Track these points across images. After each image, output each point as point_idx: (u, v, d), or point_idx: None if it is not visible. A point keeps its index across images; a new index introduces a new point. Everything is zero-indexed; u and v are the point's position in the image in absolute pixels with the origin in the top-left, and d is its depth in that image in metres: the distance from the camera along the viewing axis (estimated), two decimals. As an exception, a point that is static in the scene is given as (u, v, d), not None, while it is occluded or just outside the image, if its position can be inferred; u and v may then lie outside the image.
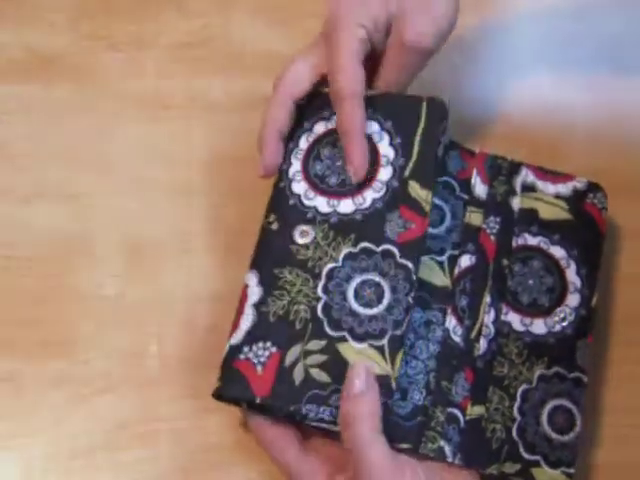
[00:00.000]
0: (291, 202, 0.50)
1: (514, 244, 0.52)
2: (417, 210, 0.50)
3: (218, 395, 0.46)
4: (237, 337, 0.47)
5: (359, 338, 0.47)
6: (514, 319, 0.51)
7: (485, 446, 0.48)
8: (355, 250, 0.49)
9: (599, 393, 0.53)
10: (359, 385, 0.44)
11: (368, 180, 0.50)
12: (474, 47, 0.63)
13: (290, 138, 0.52)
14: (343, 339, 0.46)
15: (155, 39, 0.63)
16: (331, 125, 0.52)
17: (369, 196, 0.50)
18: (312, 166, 0.51)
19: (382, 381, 0.46)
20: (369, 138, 0.51)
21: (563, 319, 0.51)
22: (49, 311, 0.54)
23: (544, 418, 0.48)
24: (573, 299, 0.51)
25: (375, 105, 0.52)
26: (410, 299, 0.48)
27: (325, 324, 0.47)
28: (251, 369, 0.46)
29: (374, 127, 0.52)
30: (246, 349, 0.47)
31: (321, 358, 0.46)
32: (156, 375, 0.52)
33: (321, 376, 0.46)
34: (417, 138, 0.51)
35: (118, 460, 0.51)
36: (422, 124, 0.51)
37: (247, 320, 0.47)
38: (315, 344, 0.46)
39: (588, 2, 0.64)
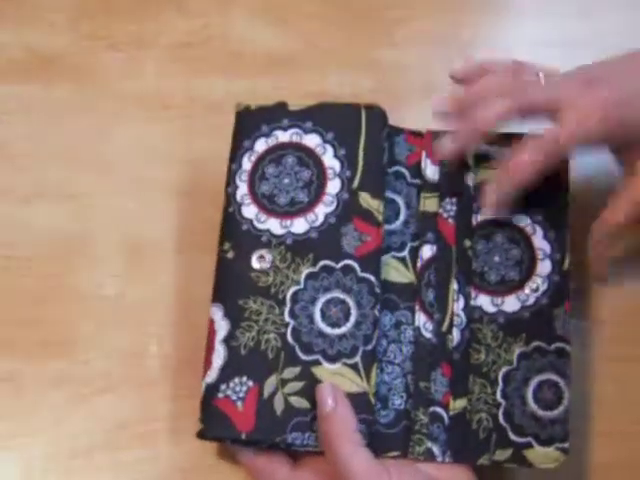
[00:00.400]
0: (244, 227, 0.49)
1: (474, 222, 0.51)
2: (371, 221, 0.49)
3: (201, 436, 0.46)
4: (212, 375, 0.47)
5: (332, 359, 0.47)
6: (484, 301, 0.50)
7: (472, 438, 0.47)
8: (315, 269, 0.48)
9: (597, 391, 0.53)
10: (330, 403, 0.44)
11: (317, 195, 0.50)
12: (473, 47, 0.63)
13: (231, 159, 0.51)
14: (317, 362, 0.46)
15: (155, 39, 0.63)
16: (272, 142, 0.51)
17: (321, 212, 0.49)
18: (259, 187, 0.50)
19: (360, 398, 0.46)
20: (311, 151, 0.51)
21: (536, 289, 0.49)
22: (49, 311, 0.54)
23: (529, 397, 0.47)
24: (544, 267, 0.50)
25: (314, 117, 0.52)
26: (376, 312, 0.48)
27: (297, 349, 0.47)
28: (231, 406, 0.46)
29: (316, 140, 0.51)
30: (223, 386, 0.46)
31: (298, 385, 0.46)
32: (156, 375, 0.52)
33: (301, 403, 0.46)
34: (361, 148, 0.51)
35: (118, 460, 0.51)
36: (364, 133, 0.51)
37: (219, 357, 0.47)
38: (290, 372, 0.46)
39: (591, 1, 0.64)
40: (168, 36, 0.63)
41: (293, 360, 0.47)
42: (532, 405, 0.47)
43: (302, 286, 0.48)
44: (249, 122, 0.52)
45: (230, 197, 0.50)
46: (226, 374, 0.46)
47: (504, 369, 0.48)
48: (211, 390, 0.46)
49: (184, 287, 0.55)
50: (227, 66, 0.62)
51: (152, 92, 0.61)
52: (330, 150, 0.51)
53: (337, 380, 0.46)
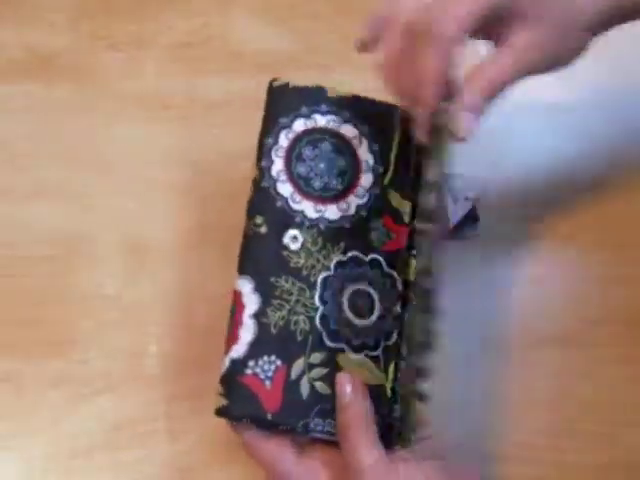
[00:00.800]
0: (278, 204, 0.49)
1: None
2: (398, 220, 0.50)
3: (223, 413, 0.45)
4: (239, 350, 0.46)
5: (357, 349, 0.47)
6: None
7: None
8: (344, 259, 0.49)
9: (601, 392, 0.53)
10: (349, 393, 0.45)
11: (350, 185, 0.50)
12: (473, 46, 0.63)
13: (265, 134, 0.51)
14: (342, 350, 0.47)
15: (155, 39, 0.63)
16: (310, 124, 0.51)
17: (353, 202, 0.50)
18: (295, 166, 0.50)
19: (379, 390, 0.46)
20: (347, 141, 0.51)
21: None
22: (49, 311, 0.54)
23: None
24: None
25: (351, 108, 0.52)
26: (398, 308, 0.48)
27: (324, 335, 0.47)
28: (259, 384, 0.45)
29: (353, 131, 0.51)
30: (251, 363, 0.46)
31: (323, 371, 0.46)
32: (156, 375, 0.52)
33: (324, 389, 0.46)
34: (394, 147, 0.51)
35: (118, 460, 0.51)
36: (397, 133, 0.51)
37: (248, 332, 0.46)
38: (316, 357, 0.46)
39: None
40: (168, 36, 0.63)
41: (320, 345, 0.47)
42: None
43: (332, 273, 0.48)
44: (287, 100, 0.52)
45: (264, 171, 0.50)
46: (255, 350, 0.46)
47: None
48: (238, 366, 0.46)
49: (184, 287, 0.55)
50: (227, 66, 0.62)
51: (152, 92, 0.61)
52: (365, 143, 0.51)
53: (359, 370, 0.46)
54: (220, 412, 0.45)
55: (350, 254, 0.49)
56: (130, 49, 0.62)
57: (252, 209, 0.49)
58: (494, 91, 0.47)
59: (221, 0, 0.64)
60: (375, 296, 0.48)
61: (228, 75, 0.61)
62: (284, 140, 0.51)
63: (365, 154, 0.51)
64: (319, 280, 0.48)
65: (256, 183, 0.50)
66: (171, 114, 0.60)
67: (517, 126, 0.60)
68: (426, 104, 0.47)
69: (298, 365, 0.46)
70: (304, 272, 0.48)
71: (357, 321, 0.47)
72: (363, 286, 0.48)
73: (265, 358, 0.46)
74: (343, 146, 0.51)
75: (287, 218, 0.49)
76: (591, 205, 0.58)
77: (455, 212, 0.55)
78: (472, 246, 0.56)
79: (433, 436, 0.47)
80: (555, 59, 0.48)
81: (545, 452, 0.52)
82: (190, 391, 0.51)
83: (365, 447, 0.43)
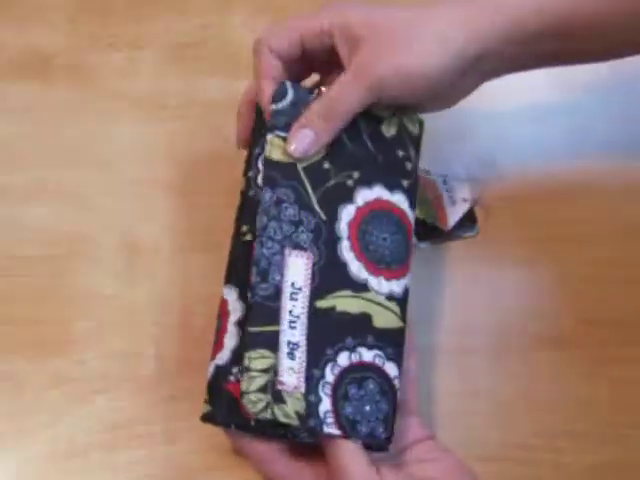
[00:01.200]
0: None
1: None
2: None
3: (208, 419, 0.45)
4: (223, 357, 0.46)
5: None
6: None
7: None
8: None
9: (599, 392, 0.53)
10: None
11: None
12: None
13: (254, 143, 0.50)
14: None
15: (154, 39, 0.63)
16: None
17: None
18: None
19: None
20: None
21: None
22: (49, 311, 0.54)
23: None
24: None
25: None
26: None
27: None
28: None
29: None
30: (235, 370, 0.46)
31: None
32: (153, 376, 0.52)
33: None
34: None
35: (116, 460, 0.51)
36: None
37: (231, 339, 0.46)
38: None
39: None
40: (167, 36, 0.63)
41: None
42: None
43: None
44: None
45: (250, 181, 0.49)
46: (238, 357, 0.46)
47: None
48: (222, 372, 0.46)
49: (182, 287, 0.55)
50: (226, 66, 0.62)
51: (151, 92, 0.61)
52: None
53: None
54: (205, 418, 0.45)
55: None
56: (129, 49, 0.62)
57: (239, 217, 0.49)
58: (336, 110, 0.47)
59: (219, 1, 0.64)
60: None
61: (226, 75, 0.62)
62: None
63: None
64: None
65: (243, 192, 0.50)
66: (170, 114, 0.60)
67: (515, 127, 0.60)
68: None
69: None
70: None
71: None
72: None
73: None
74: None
75: None
76: (590, 205, 0.58)
77: (453, 213, 0.55)
78: (470, 247, 0.56)
79: (433, 436, 0.48)
80: (412, 76, 0.46)
81: (544, 452, 0.52)
82: (187, 392, 0.51)
83: (350, 455, 0.43)
